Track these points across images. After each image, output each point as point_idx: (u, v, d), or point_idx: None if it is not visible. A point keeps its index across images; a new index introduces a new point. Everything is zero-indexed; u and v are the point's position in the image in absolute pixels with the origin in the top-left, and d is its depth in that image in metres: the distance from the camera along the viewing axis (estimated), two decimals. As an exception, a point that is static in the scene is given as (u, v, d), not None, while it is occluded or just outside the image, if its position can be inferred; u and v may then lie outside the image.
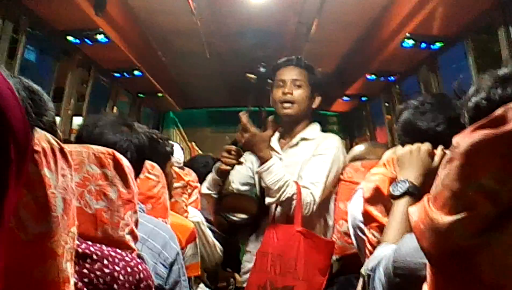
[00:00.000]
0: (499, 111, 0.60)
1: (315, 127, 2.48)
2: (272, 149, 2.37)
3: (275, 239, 2.24)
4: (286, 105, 2.43)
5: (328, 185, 2.27)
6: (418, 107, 1.46)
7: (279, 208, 2.32)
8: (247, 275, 2.41)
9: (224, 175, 2.38)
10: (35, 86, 1.00)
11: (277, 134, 2.51)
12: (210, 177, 2.44)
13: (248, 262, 2.46)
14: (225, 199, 2.41)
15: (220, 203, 2.38)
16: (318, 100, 2.49)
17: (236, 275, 3.48)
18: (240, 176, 2.51)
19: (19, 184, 0.51)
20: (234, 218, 2.35)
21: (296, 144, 2.44)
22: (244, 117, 2.27)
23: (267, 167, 2.24)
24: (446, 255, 0.63)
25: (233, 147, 2.31)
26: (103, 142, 1.37)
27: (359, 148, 2.42)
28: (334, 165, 2.28)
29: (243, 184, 2.52)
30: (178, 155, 3.10)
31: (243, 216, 2.37)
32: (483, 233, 0.60)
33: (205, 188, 2.46)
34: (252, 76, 2.48)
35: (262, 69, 2.47)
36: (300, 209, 2.21)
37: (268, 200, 2.28)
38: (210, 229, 3.31)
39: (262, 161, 2.26)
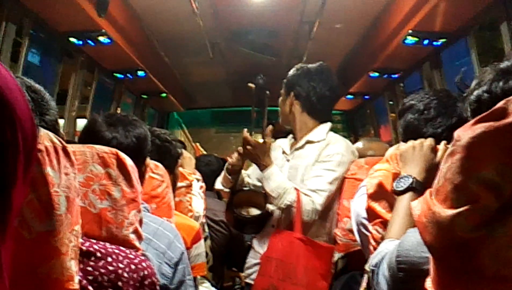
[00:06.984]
0: (500, 104, 0.61)
1: (322, 129, 2.45)
2: (281, 153, 2.49)
3: (279, 244, 2.29)
4: None
5: (331, 193, 2.29)
6: (423, 112, 1.46)
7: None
8: (249, 270, 2.49)
9: (234, 173, 2.50)
10: (37, 86, 1.01)
11: (290, 137, 2.58)
12: (223, 173, 2.56)
13: (252, 258, 2.51)
14: (236, 195, 2.49)
15: (232, 198, 2.45)
16: (290, 97, 2.47)
17: (241, 274, 3.48)
18: (258, 172, 2.53)
19: (26, 179, 0.52)
20: (245, 214, 2.41)
21: (302, 146, 2.44)
22: (244, 131, 2.39)
23: (267, 174, 2.33)
24: (449, 248, 0.63)
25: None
26: (97, 140, 1.36)
27: (357, 146, 2.56)
28: (338, 171, 2.28)
29: (260, 180, 2.55)
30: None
31: (255, 212, 2.42)
32: (485, 225, 0.60)
33: (219, 183, 2.60)
34: (252, 85, 2.56)
35: (260, 81, 2.55)
36: (299, 216, 2.24)
37: (269, 206, 2.38)
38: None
39: (263, 168, 2.35)
